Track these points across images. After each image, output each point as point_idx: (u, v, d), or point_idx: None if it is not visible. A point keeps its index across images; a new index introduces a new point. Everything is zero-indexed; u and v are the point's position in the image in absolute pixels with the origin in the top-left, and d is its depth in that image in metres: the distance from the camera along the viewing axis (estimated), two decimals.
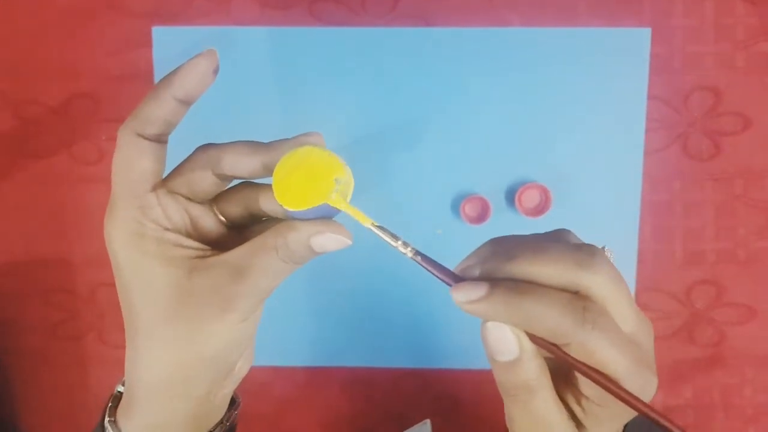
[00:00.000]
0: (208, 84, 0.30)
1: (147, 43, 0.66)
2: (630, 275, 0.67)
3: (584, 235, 0.66)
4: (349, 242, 0.29)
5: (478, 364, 0.69)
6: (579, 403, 0.26)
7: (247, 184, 0.32)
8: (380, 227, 0.30)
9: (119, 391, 0.30)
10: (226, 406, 0.33)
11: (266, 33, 0.66)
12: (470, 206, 0.67)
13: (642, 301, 0.68)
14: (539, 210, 0.65)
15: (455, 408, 0.71)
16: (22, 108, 0.68)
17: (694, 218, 0.67)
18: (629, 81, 0.65)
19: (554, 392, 0.26)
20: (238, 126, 0.67)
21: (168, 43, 0.66)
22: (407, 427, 0.67)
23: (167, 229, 0.28)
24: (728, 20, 0.64)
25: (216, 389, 0.30)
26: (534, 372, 0.25)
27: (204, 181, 0.29)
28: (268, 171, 0.28)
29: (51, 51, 0.67)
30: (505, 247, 0.26)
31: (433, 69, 0.66)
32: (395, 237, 0.29)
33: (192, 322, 0.27)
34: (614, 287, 0.23)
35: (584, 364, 0.23)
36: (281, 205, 0.27)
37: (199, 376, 0.28)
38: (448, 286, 0.26)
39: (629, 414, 0.25)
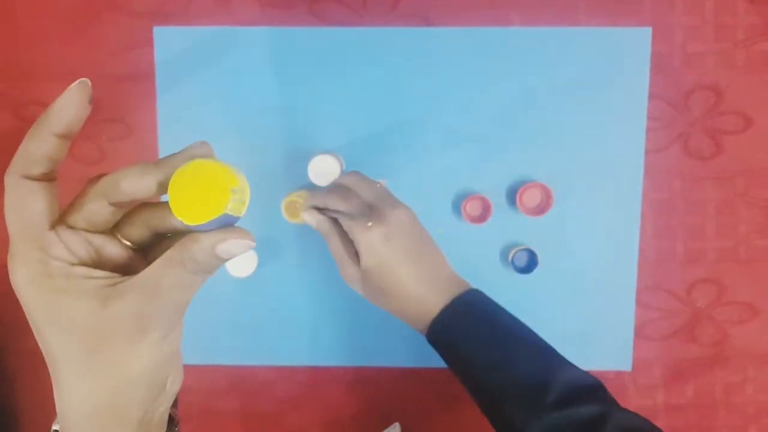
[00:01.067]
0: (85, 115, 0.29)
1: (148, 42, 0.66)
2: (631, 273, 0.67)
3: (585, 234, 0.66)
4: (253, 244, 0.29)
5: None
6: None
7: (145, 205, 0.32)
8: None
9: (55, 430, 0.30)
10: (165, 424, 0.33)
11: (267, 33, 0.66)
12: (471, 205, 0.67)
13: (643, 300, 0.68)
14: (540, 209, 0.65)
15: (456, 406, 0.71)
16: (23, 108, 0.68)
17: (695, 217, 0.67)
18: (630, 80, 0.65)
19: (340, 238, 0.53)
20: (238, 125, 0.67)
21: (169, 42, 0.66)
22: (407, 426, 0.67)
23: (73, 264, 0.28)
24: (729, 19, 0.65)
25: (151, 409, 0.30)
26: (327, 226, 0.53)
27: (101, 212, 0.29)
28: (163, 189, 0.28)
29: (52, 51, 0.67)
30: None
31: (434, 68, 0.66)
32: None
33: (114, 347, 0.27)
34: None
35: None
36: (181, 221, 0.27)
37: (130, 400, 0.29)
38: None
39: None
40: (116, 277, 0.28)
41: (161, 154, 0.67)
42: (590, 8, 0.65)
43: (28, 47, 0.67)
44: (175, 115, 0.67)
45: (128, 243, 0.31)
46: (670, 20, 0.65)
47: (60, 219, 0.29)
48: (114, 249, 0.30)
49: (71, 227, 0.29)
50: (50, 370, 0.28)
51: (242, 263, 0.65)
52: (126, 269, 0.30)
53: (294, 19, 0.66)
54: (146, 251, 0.32)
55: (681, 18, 0.65)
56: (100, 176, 0.29)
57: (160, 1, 0.66)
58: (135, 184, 0.28)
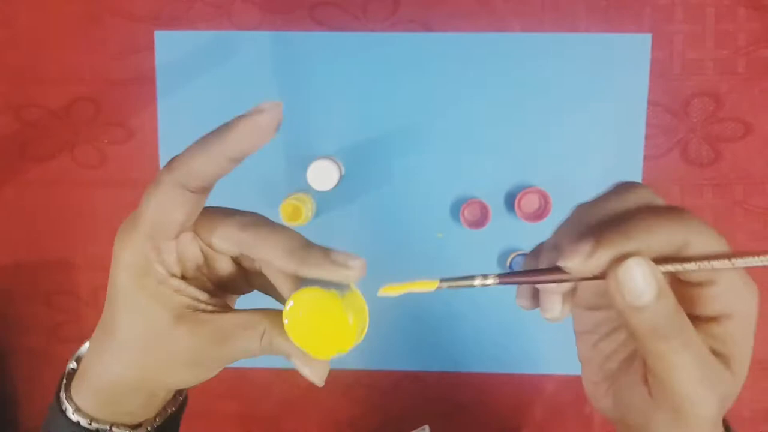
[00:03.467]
0: (268, 141, 0.26)
1: (149, 47, 0.67)
2: None
3: None
4: (321, 384, 0.30)
5: (478, 367, 0.70)
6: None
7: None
8: (450, 283, 0.28)
9: (72, 368, 0.31)
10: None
11: (267, 37, 0.66)
12: (470, 210, 0.67)
13: None
14: (539, 215, 0.66)
15: (453, 410, 0.71)
16: (25, 111, 0.68)
17: None
18: (629, 86, 0.65)
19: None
20: None
21: (170, 47, 0.67)
22: (406, 430, 0.68)
23: (174, 275, 0.28)
24: (729, 26, 0.64)
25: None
26: (676, 302, 0.24)
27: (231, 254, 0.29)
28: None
29: (53, 55, 0.67)
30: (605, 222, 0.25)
31: (433, 74, 0.66)
32: (470, 277, 0.27)
33: (160, 358, 0.28)
34: (710, 239, 0.24)
35: (700, 256, 0.24)
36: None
37: (154, 386, 0.30)
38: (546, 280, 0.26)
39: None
40: (201, 303, 0.29)
41: (162, 158, 0.68)
42: (590, 14, 0.65)
43: (29, 50, 0.67)
44: (176, 118, 0.67)
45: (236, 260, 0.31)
46: (670, 27, 0.65)
47: (194, 225, 0.28)
48: (223, 263, 0.30)
49: (197, 237, 0.28)
50: (100, 328, 0.29)
51: None
52: (225, 282, 0.31)
53: (294, 24, 0.66)
54: (248, 274, 0.32)
55: (681, 25, 0.65)
56: (258, 227, 0.28)
57: (161, 5, 0.66)
58: (277, 261, 0.27)
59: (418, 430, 0.64)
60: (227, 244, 0.28)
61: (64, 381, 0.31)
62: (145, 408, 0.31)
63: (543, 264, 0.27)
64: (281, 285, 0.29)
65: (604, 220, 0.25)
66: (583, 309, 0.30)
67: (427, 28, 0.66)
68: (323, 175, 0.63)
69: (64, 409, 0.30)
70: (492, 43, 0.65)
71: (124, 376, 0.28)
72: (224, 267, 0.30)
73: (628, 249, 0.23)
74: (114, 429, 0.30)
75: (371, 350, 0.70)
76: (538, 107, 0.66)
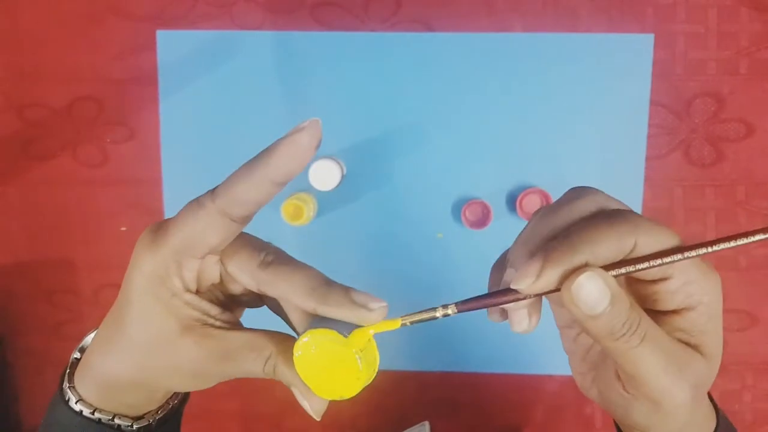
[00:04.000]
0: (309, 160, 0.26)
1: (151, 46, 0.67)
2: None
3: None
4: (318, 419, 0.31)
5: (479, 367, 0.70)
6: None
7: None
8: (412, 318, 0.28)
9: (76, 358, 0.31)
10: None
11: (269, 37, 0.66)
12: (471, 211, 0.67)
13: None
14: None
15: (454, 410, 0.71)
16: (27, 110, 0.68)
17: (695, 224, 0.67)
18: (632, 87, 0.65)
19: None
20: (239, 128, 0.67)
21: (172, 46, 0.67)
22: (405, 428, 0.68)
23: (189, 291, 0.28)
24: (732, 27, 0.64)
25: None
26: (630, 303, 0.25)
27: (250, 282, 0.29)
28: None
29: (55, 54, 0.67)
30: (551, 235, 0.26)
31: (435, 74, 0.66)
32: (432, 310, 0.28)
33: (160, 370, 0.28)
34: (659, 237, 0.25)
35: (651, 255, 0.24)
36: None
37: (153, 387, 0.31)
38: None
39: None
40: (216, 317, 0.29)
41: (164, 157, 0.68)
42: (592, 14, 0.65)
43: (32, 50, 0.67)
44: (178, 118, 0.67)
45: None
46: (673, 27, 0.65)
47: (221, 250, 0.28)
48: (239, 287, 0.30)
49: (219, 262, 0.28)
50: (108, 321, 0.29)
51: None
52: (241, 301, 0.31)
53: (296, 23, 0.66)
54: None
55: (683, 25, 0.65)
56: (277, 263, 0.28)
57: (163, 5, 0.66)
58: (297, 298, 0.27)
59: (418, 425, 0.64)
60: (247, 279, 0.28)
61: (68, 370, 0.31)
62: (146, 402, 0.31)
63: (501, 281, 0.28)
64: (294, 315, 0.29)
65: (553, 233, 0.25)
66: (560, 306, 0.30)
67: (429, 28, 0.66)
68: (325, 174, 0.63)
69: (67, 398, 0.30)
70: (493, 43, 0.65)
71: (125, 373, 0.29)
72: (239, 288, 0.30)
73: (576, 262, 0.24)
74: (116, 419, 0.30)
75: None
76: (539, 107, 0.66)
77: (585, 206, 0.26)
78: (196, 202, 0.26)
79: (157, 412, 0.32)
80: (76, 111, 0.68)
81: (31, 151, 0.69)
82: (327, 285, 0.28)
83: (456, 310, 0.27)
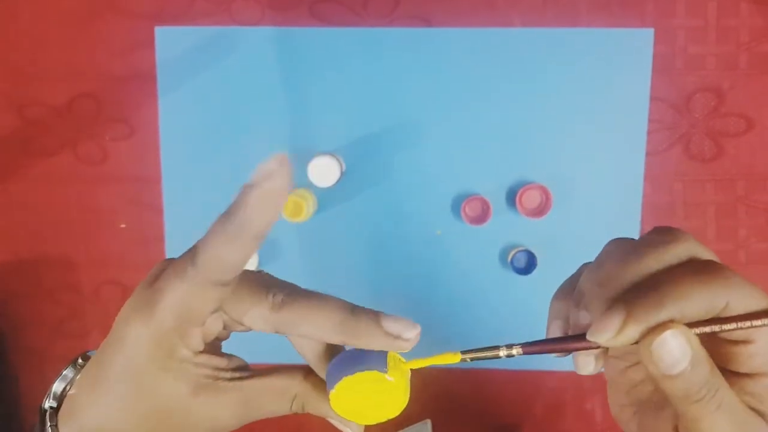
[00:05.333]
0: (284, 202, 0.24)
1: (150, 43, 0.67)
2: None
3: (585, 236, 0.66)
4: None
5: (476, 364, 0.70)
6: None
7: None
8: (473, 354, 0.26)
9: (51, 407, 0.28)
10: None
11: (268, 33, 0.66)
12: (471, 207, 0.67)
13: None
14: (540, 211, 0.65)
15: (456, 407, 0.71)
16: (26, 108, 0.68)
17: (695, 219, 0.67)
18: (631, 82, 0.65)
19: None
20: (239, 125, 0.67)
21: (171, 43, 0.67)
22: (406, 426, 0.68)
23: (198, 353, 0.26)
24: (732, 21, 0.64)
25: None
26: (711, 367, 0.23)
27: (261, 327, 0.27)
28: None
29: (54, 52, 0.67)
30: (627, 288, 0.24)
31: (434, 69, 0.66)
32: (494, 348, 0.26)
33: (171, 425, 0.27)
34: (750, 298, 0.23)
35: (740, 316, 0.23)
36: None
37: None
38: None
39: None
40: (226, 369, 0.27)
41: (163, 154, 0.68)
42: (592, 9, 0.65)
43: (30, 48, 0.67)
44: (177, 114, 0.67)
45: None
46: (673, 22, 0.64)
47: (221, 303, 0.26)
48: (243, 329, 0.28)
49: (221, 312, 0.27)
50: (98, 373, 0.27)
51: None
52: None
53: (295, 19, 0.66)
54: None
55: (683, 19, 0.64)
56: (289, 301, 0.26)
57: (162, 1, 0.66)
58: (324, 334, 0.26)
59: (420, 423, 0.64)
60: (261, 326, 0.26)
61: (49, 409, 0.28)
62: None
63: (565, 314, 0.26)
64: (307, 350, 0.28)
65: (637, 280, 0.24)
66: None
67: (428, 23, 0.65)
68: (324, 171, 0.63)
69: None
70: (493, 38, 0.65)
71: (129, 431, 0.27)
72: (245, 328, 0.29)
73: (662, 319, 0.22)
74: None
75: None
76: (539, 103, 0.66)
77: (676, 253, 0.24)
78: (174, 273, 0.24)
79: None
80: (75, 109, 0.68)
81: (31, 149, 0.69)
82: (353, 316, 0.26)
83: (521, 352, 0.25)
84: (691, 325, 0.23)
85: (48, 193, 0.69)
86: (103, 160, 0.69)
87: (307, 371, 0.28)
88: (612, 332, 0.23)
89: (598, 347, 0.24)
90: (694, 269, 0.23)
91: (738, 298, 0.23)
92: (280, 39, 0.66)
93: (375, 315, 0.26)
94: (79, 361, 0.29)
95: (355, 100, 0.67)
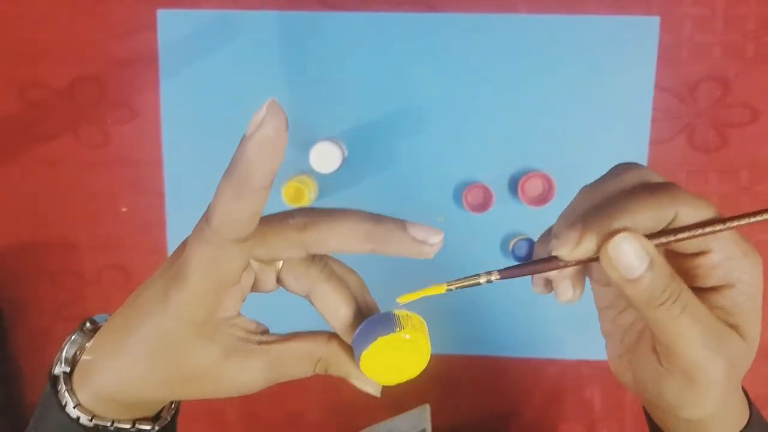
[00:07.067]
0: (285, 145, 0.24)
1: (152, 26, 0.66)
2: None
3: None
4: (378, 395, 0.31)
5: (479, 350, 0.70)
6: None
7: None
8: (457, 283, 0.29)
9: (65, 371, 0.29)
10: None
11: (271, 17, 0.66)
12: (473, 194, 0.67)
13: None
14: (542, 199, 0.65)
15: (455, 394, 0.71)
16: (28, 91, 0.68)
17: None
18: (636, 70, 0.65)
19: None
20: (241, 109, 0.67)
21: (173, 26, 0.66)
22: (406, 410, 0.68)
23: (232, 317, 0.27)
24: (739, 10, 0.63)
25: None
26: (671, 272, 0.25)
27: (292, 261, 0.28)
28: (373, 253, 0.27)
29: (55, 34, 0.67)
30: (593, 204, 0.26)
31: (438, 55, 0.65)
32: (476, 276, 0.28)
33: (200, 392, 0.28)
34: (700, 208, 0.25)
35: (691, 225, 0.24)
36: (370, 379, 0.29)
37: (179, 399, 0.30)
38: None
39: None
40: (254, 332, 0.28)
41: (165, 138, 0.67)
42: None
43: (32, 30, 0.67)
44: (179, 98, 0.67)
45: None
46: (679, 10, 0.64)
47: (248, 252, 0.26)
48: (269, 281, 0.29)
49: (252, 259, 0.27)
50: (117, 322, 0.28)
51: None
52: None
53: (298, 3, 0.65)
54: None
55: (690, 8, 0.64)
56: (308, 222, 0.26)
57: None
58: (352, 246, 0.27)
59: (419, 408, 0.65)
60: (292, 252, 0.27)
61: (62, 374, 0.29)
62: (151, 411, 0.31)
63: (544, 252, 0.28)
64: (333, 317, 0.29)
65: (597, 204, 0.26)
66: (601, 285, 0.30)
67: (432, 8, 0.65)
68: (326, 157, 0.62)
69: (64, 403, 0.28)
70: (497, 24, 0.65)
71: (149, 394, 0.28)
72: (269, 286, 0.29)
73: (614, 227, 0.24)
74: (116, 425, 0.29)
75: None
76: (543, 90, 0.65)
77: (627, 180, 0.26)
78: (198, 239, 0.25)
79: (160, 414, 0.32)
80: (77, 92, 0.68)
81: (33, 132, 0.69)
82: (380, 224, 0.27)
83: (499, 277, 0.27)
84: (647, 237, 0.24)
85: (49, 176, 0.69)
86: (105, 144, 0.68)
87: (329, 335, 0.29)
88: (571, 244, 0.24)
89: (566, 265, 0.26)
90: (644, 187, 0.25)
91: (687, 209, 0.24)
92: (282, 23, 0.66)
93: (401, 222, 0.28)
94: (87, 325, 0.30)
95: (357, 85, 0.66)
